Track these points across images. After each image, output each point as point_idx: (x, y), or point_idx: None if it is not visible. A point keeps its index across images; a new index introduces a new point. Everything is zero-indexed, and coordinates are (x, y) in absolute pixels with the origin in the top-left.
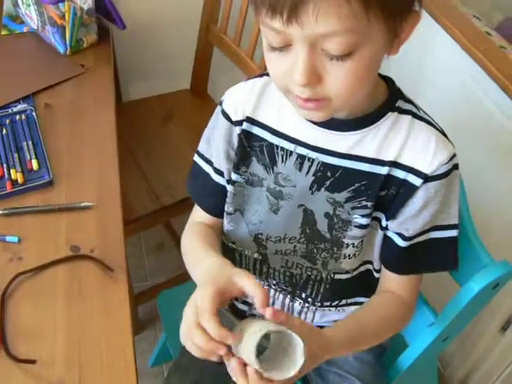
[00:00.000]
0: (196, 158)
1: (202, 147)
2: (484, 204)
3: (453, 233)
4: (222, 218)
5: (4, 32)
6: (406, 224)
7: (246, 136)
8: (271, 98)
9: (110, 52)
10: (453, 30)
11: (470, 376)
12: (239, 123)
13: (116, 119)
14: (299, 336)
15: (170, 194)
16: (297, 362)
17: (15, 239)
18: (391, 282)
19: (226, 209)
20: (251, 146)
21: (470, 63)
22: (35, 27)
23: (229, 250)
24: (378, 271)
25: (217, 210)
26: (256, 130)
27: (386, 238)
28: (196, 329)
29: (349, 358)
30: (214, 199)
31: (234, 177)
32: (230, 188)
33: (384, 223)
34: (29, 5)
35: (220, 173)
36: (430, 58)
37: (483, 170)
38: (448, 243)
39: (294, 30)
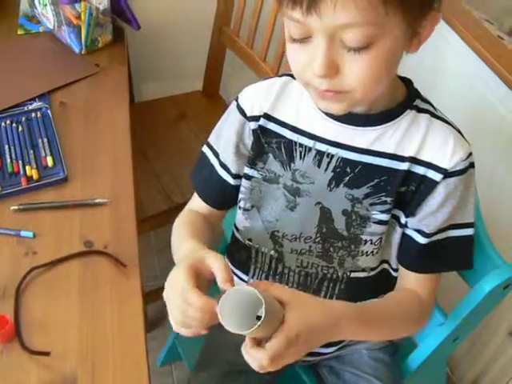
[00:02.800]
0: (204, 148)
1: (211, 139)
2: (495, 205)
3: (469, 231)
4: (220, 210)
5: (20, 32)
6: (426, 220)
7: (262, 132)
8: (291, 96)
9: (124, 52)
10: (465, 33)
11: (479, 379)
12: (255, 119)
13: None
14: (282, 300)
15: (181, 194)
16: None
17: (30, 234)
18: (409, 282)
19: (242, 205)
20: (268, 143)
21: (482, 67)
22: (51, 27)
23: (245, 247)
24: (396, 270)
25: (216, 202)
26: (273, 127)
27: (404, 237)
28: (187, 308)
29: (364, 357)
30: (215, 191)
31: (250, 172)
32: (246, 183)
33: (403, 220)
34: (45, 5)
35: (225, 167)
36: (443, 61)
37: (495, 173)
38: (465, 242)
39: (313, 21)
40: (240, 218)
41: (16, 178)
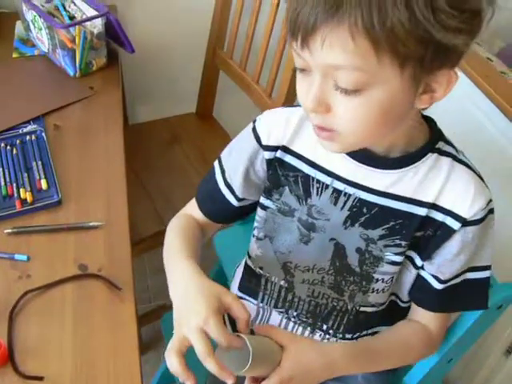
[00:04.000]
0: (216, 163)
1: (223, 154)
2: None
3: (486, 273)
4: (224, 223)
5: (15, 55)
6: (443, 267)
7: (279, 164)
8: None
9: (118, 75)
10: None
11: None
12: (270, 149)
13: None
14: (281, 343)
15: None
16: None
17: (24, 257)
18: (421, 316)
19: (256, 233)
20: (285, 176)
21: (471, 88)
22: (46, 50)
23: (255, 274)
24: (404, 302)
25: (214, 217)
26: (291, 159)
27: (419, 278)
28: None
29: (358, 377)
30: (214, 207)
31: (266, 202)
32: (261, 213)
33: (419, 263)
34: (40, 28)
35: (229, 187)
36: None
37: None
38: (481, 284)
39: (307, 56)
40: (253, 246)
41: (10, 201)
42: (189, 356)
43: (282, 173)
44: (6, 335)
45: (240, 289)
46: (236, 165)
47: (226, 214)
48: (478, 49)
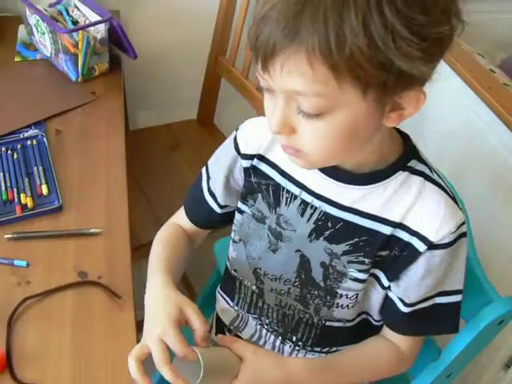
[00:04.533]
0: (203, 168)
1: (210, 161)
2: (488, 239)
3: (457, 298)
4: (208, 229)
5: (18, 59)
6: (409, 291)
7: (254, 171)
8: None
9: (120, 81)
10: (458, 66)
11: None
12: (248, 157)
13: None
14: (242, 355)
15: None
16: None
17: (24, 263)
18: (392, 336)
19: (232, 236)
20: (258, 183)
21: (474, 99)
22: (48, 54)
23: (231, 277)
24: (378, 321)
25: (199, 224)
26: (264, 168)
27: (387, 299)
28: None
29: None
30: (199, 213)
31: (242, 207)
32: (238, 217)
33: (386, 283)
34: (43, 33)
35: (212, 194)
36: (434, 92)
37: (487, 205)
38: (451, 308)
39: (268, 79)
40: (230, 248)
41: (10, 206)
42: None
43: (255, 180)
44: (5, 342)
45: (221, 288)
46: (218, 172)
47: (211, 220)
48: (481, 60)
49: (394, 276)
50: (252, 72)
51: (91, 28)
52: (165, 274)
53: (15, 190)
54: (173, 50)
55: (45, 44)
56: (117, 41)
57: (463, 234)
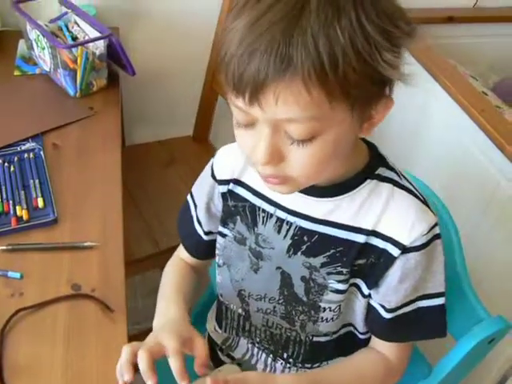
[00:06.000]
0: (188, 197)
1: (194, 189)
2: (479, 258)
3: (440, 301)
4: (203, 259)
5: (17, 73)
6: (388, 296)
7: (230, 195)
8: None
9: (118, 97)
10: (451, 88)
11: None
12: (224, 182)
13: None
14: None
15: (168, 239)
16: None
17: (17, 275)
18: (379, 346)
19: (217, 260)
20: (235, 206)
21: (467, 121)
22: (47, 69)
23: (219, 302)
24: (363, 333)
25: (196, 254)
26: (240, 191)
27: (370, 307)
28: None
29: None
30: (193, 243)
31: (223, 230)
32: (221, 240)
33: (366, 291)
34: (43, 48)
35: (199, 222)
36: (428, 114)
37: (479, 225)
38: (435, 311)
39: (256, 112)
40: (216, 271)
41: (6, 218)
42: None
43: (232, 203)
44: None
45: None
46: (200, 199)
47: (201, 248)
48: (474, 83)
49: (373, 283)
50: None
51: (90, 44)
52: (181, 307)
53: (11, 202)
54: (170, 67)
55: (44, 59)
56: (115, 57)
57: (437, 236)
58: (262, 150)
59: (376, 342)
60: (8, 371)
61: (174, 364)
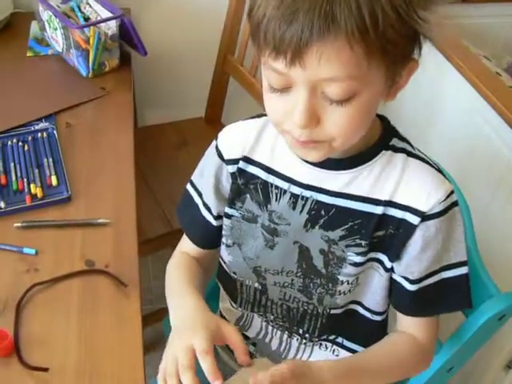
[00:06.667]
0: (188, 186)
1: (195, 177)
2: (490, 237)
3: (463, 270)
4: (209, 249)
5: (30, 54)
6: (410, 267)
7: (240, 174)
8: (268, 138)
9: (130, 77)
10: (464, 69)
11: None
12: (233, 162)
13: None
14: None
15: None
16: None
17: (32, 251)
18: (407, 326)
19: (224, 240)
20: (245, 184)
21: (479, 102)
22: (60, 50)
23: (230, 279)
24: (380, 314)
25: (203, 243)
26: (251, 169)
27: (394, 282)
28: (189, 368)
29: None
30: (201, 231)
31: (229, 211)
32: (227, 221)
33: (389, 264)
34: (56, 28)
35: (207, 207)
36: (441, 95)
37: (490, 204)
38: (459, 281)
39: (297, 73)
40: (224, 252)
41: (20, 196)
42: None
43: (242, 182)
44: (13, 326)
45: (224, 289)
46: (207, 184)
47: (209, 236)
48: (488, 63)
49: (394, 256)
50: (260, 71)
51: (102, 24)
52: (197, 296)
53: (25, 180)
54: (182, 48)
55: (57, 39)
56: (127, 38)
57: (455, 203)
58: (301, 114)
59: (404, 323)
60: (24, 343)
61: (205, 364)
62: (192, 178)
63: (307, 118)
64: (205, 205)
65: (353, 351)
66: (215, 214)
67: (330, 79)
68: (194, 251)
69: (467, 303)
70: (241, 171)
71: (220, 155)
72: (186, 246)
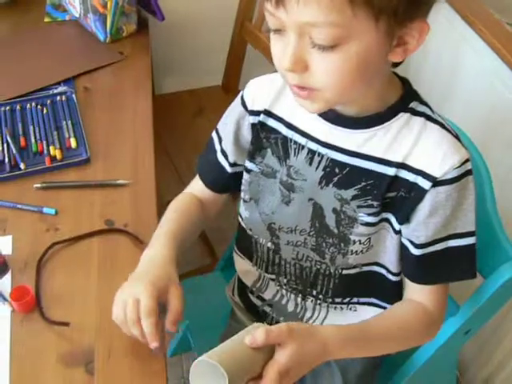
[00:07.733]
0: (213, 133)
1: (219, 124)
2: (509, 200)
3: (470, 240)
4: (216, 192)
5: (47, 19)
6: (417, 231)
7: (262, 127)
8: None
9: (148, 42)
10: (487, 35)
11: (491, 380)
12: (255, 113)
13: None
14: (278, 342)
15: None
16: None
17: (52, 211)
18: (413, 292)
19: (242, 196)
20: (267, 138)
21: (501, 66)
22: (77, 15)
23: (247, 236)
24: (395, 274)
25: (212, 184)
26: (272, 123)
27: (402, 246)
28: (136, 322)
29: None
30: (212, 174)
31: (249, 166)
32: (246, 176)
33: (397, 227)
34: None
35: (224, 154)
36: (462, 61)
37: (511, 169)
38: (466, 251)
39: (283, 15)
40: (242, 208)
41: (40, 158)
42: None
43: (263, 135)
44: (34, 283)
45: (238, 249)
46: (228, 131)
47: (221, 180)
48: (507, 26)
49: (403, 219)
50: None
51: None
52: (171, 246)
53: (45, 142)
54: (199, 14)
55: (74, 5)
56: (145, 3)
57: (469, 172)
58: (287, 56)
59: (411, 290)
60: (45, 300)
61: (146, 324)
62: (217, 125)
63: (293, 62)
64: (222, 151)
65: (370, 304)
66: (231, 161)
67: (312, 24)
68: (200, 193)
69: (470, 274)
70: (262, 124)
71: (244, 105)
72: (196, 188)
